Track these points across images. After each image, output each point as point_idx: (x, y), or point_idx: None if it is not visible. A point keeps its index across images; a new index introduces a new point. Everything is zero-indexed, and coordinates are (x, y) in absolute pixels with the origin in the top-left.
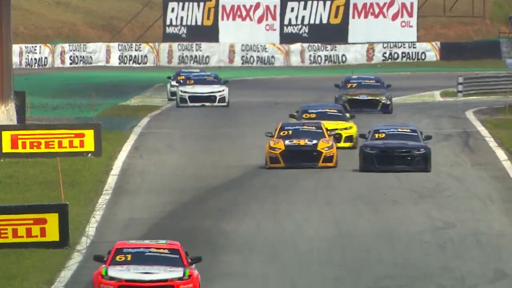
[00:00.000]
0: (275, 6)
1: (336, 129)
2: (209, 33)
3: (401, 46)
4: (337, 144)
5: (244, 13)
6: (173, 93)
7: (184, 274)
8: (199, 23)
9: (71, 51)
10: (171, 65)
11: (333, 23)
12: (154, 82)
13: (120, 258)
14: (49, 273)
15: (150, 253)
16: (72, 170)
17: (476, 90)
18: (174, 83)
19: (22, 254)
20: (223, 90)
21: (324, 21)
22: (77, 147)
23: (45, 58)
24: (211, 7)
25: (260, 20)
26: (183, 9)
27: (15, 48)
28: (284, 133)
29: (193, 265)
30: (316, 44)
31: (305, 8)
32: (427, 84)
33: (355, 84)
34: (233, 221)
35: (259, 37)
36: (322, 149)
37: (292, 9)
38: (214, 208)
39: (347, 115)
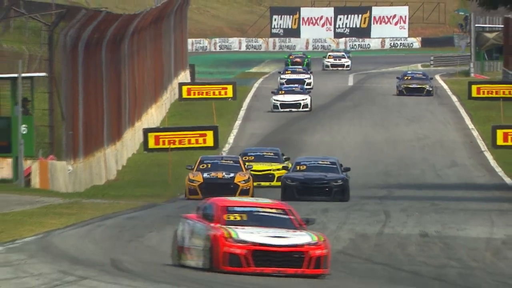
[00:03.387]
0: (331, 17)
1: (270, 170)
2: (294, 32)
3: (399, 39)
4: (270, 183)
5: (314, 21)
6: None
7: (312, 238)
8: (289, 26)
9: (219, 42)
10: (274, 50)
11: (362, 27)
12: (264, 59)
13: (235, 218)
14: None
15: (263, 214)
16: (221, 108)
17: (441, 64)
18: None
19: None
20: (306, 98)
21: (358, 25)
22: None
23: (206, 46)
24: (296, 18)
25: (323, 25)
26: (281, 19)
27: (189, 41)
28: (203, 166)
29: None
30: (353, 38)
31: (347, 18)
32: (413, 60)
33: (409, 77)
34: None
35: (322, 34)
36: (239, 182)
37: (340, 19)
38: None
39: (283, 157)
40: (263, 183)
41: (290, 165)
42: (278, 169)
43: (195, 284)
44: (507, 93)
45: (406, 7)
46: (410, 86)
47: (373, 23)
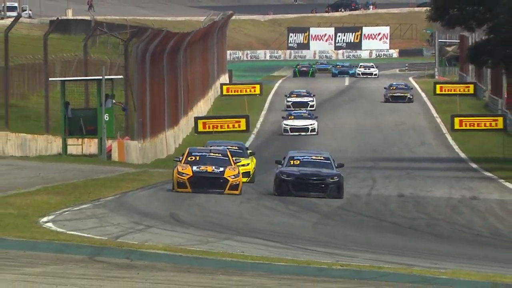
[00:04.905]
0: (332, 35)
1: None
2: (305, 46)
3: (382, 51)
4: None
5: (319, 37)
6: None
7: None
8: (301, 41)
9: (250, 53)
10: (290, 59)
11: (355, 42)
12: (283, 66)
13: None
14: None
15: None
16: (251, 102)
17: (413, 69)
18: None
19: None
20: (314, 123)
21: (352, 41)
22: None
23: (240, 56)
24: (306, 35)
25: (326, 40)
26: (295, 36)
27: (228, 52)
28: (191, 158)
29: None
30: (348, 50)
31: (344, 35)
32: (393, 67)
33: (394, 87)
34: None
35: (325, 47)
36: (228, 176)
37: (339, 36)
38: None
39: (248, 152)
40: None
41: (253, 160)
42: (243, 165)
43: (234, 231)
44: (462, 91)
45: (388, 27)
46: (395, 94)
47: (364, 39)
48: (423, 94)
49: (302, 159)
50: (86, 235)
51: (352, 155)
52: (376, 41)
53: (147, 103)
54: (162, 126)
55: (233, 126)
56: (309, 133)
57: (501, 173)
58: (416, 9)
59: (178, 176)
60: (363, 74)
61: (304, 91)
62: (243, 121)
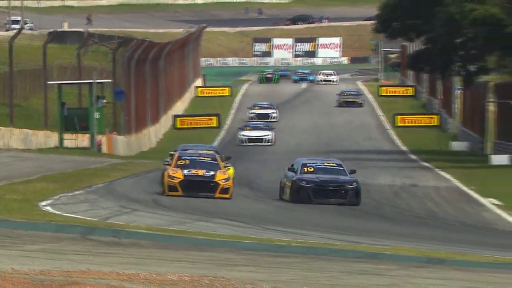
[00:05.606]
0: (291, 44)
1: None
2: (268, 54)
3: (335, 58)
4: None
5: (281, 46)
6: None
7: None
8: (265, 50)
9: (220, 60)
10: (255, 65)
11: (312, 50)
12: (249, 71)
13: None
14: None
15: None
16: (222, 102)
17: (361, 74)
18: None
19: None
20: (270, 134)
21: (309, 49)
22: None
23: (212, 63)
24: (269, 44)
25: (286, 49)
26: (260, 45)
27: (202, 59)
28: (181, 162)
29: None
30: (306, 58)
31: (302, 45)
32: (345, 72)
33: (346, 94)
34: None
35: (286, 55)
36: (219, 180)
37: (297, 45)
38: None
39: (223, 156)
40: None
41: (231, 169)
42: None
43: (208, 214)
44: (403, 92)
45: (340, 38)
46: (347, 100)
47: (319, 48)
48: (369, 96)
49: (315, 166)
50: (79, 217)
51: (307, 148)
52: (330, 50)
53: (132, 103)
54: (145, 123)
55: (206, 123)
56: (263, 143)
57: (436, 163)
58: (364, 22)
59: (169, 179)
60: (323, 81)
61: (267, 103)
62: (215, 118)
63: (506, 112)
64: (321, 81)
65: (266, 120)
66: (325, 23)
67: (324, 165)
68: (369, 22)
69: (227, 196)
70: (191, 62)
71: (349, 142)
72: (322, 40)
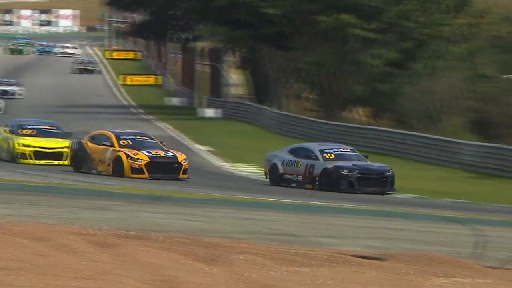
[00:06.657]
0: (35, 16)
1: (61, 147)
2: (12, 23)
3: (73, 28)
4: (60, 162)
5: (25, 17)
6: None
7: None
8: (9, 20)
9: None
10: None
11: (53, 20)
12: None
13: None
14: None
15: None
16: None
17: (96, 41)
18: None
19: None
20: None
21: (51, 20)
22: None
23: None
24: (14, 15)
25: (30, 19)
26: (3, 15)
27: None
28: (123, 142)
29: None
30: (48, 27)
31: (45, 15)
32: (81, 39)
33: (81, 62)
34: None
35: (29, 25)
36: (181, 161)
37: (41, 16)
38: None
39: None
40: (55, 162)
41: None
42: (67, 147)
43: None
44: (130, 56)
45: (78, 10)
46: (82, 67)
47: (59, 19)
48: (102, 60)
49: (334, 152)
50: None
51: (48, 103)
52: (69, 21)
53: None
54: None
55: None
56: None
57: (156, 116)
58: None
59: (132, 161)
60: (62, 54)
61: (14, 80)
62: None
63: (216, 73)
64: (59, 53)
65: (6, 97)
66: None
67: (341, 151)
68: None
69: (185, 176)
70: None
71: (81, 98)
72: (62, 12)
